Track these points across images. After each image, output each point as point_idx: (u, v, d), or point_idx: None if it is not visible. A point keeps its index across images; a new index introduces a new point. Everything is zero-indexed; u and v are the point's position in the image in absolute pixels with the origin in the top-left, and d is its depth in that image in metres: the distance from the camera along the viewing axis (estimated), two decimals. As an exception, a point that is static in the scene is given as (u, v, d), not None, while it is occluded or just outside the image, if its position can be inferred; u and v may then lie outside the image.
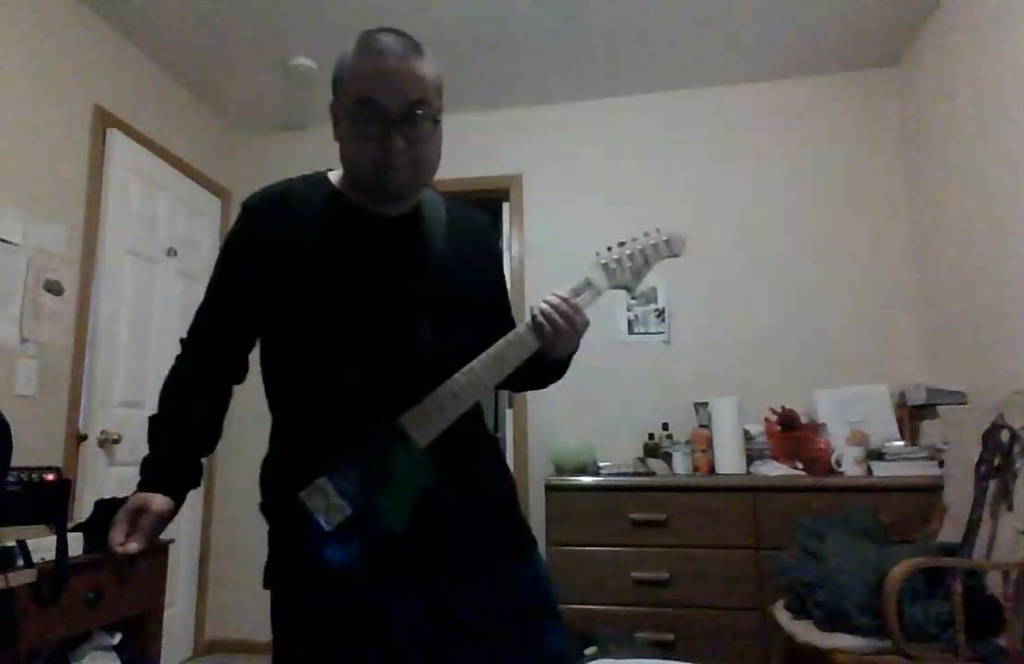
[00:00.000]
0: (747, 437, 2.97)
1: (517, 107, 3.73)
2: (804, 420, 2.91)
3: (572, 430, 3.25)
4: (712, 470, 2.93)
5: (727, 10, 2.98)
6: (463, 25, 3.05)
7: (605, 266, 1.12)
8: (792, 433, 2.87)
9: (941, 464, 2.51)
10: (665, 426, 3.14)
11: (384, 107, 0.98)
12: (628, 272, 1.13)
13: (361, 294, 1.01)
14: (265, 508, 1.04)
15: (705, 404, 3.10)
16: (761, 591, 2.56)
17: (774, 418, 2.93)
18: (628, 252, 1.13)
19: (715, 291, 3.34)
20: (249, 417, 3.71)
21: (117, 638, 2.33)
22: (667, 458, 3.00)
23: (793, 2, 2.93)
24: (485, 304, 1.14)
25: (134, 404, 3.10)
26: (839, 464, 2.74)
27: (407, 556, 0.97)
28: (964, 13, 2.75)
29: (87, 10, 2.93)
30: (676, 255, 1.18)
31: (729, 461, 2.89)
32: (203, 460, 1.12)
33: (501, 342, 1.04)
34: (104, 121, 2.99)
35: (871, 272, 3.26)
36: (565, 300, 1.05)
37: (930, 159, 3.08)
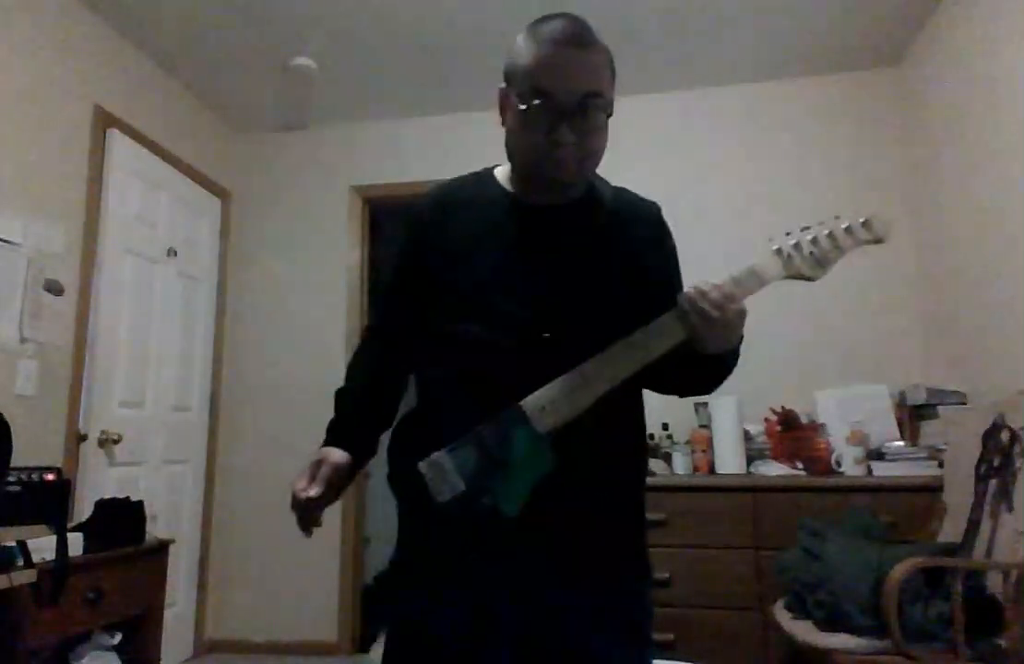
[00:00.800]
0: (747, 437, 2.97)
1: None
2: (804, 420, 2.91)
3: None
4: (712, 470, 2.93)
5: (726, 10, 2.98)
6: (464, 26, 3.05)
7: (779, 252, 1.01)
8: (792, 433, 2.87)
9: (941, 464, 2.51)
10: (665, 426, 3.14)
11: (556, 100, 0.96)
12: (810, 259, 1.01)
13: (510, 282, 1.01)
14: (390, 476, 1.04)
15: (705, 404, 3.10)
16: (761, 591, 2.56)
17: (774, 418, 2.93)
18: (811, 237, 1.01)
19: (715, 291, 3.34)
20: (248, 425, 3.72)
21: (117, 638, 2.34)
22: (667, 458, 3.00)
23: (793, 2, 2.93)
24: (646, 297, 1.04)
25: (134, 404, 3.10)
26: (839, 464, 2.74)
27: (511, 545, 0.95)
28: (964, 13, 2.75)
29: (87, 10, 2.93)
30: (880, 241, 1.04)
31: (729, 461, 2.88)
32: (379, 434, 1.15)
33: (642, 329, 0.97)
34: (104, 121, 2.99)
35: (871, 272, 3.26)
36: (716, 286, 0.96)
37: (930, 159, 3.08)
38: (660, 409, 3.24)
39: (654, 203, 1.17)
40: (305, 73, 3.36)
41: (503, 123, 1.06)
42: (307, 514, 1.02)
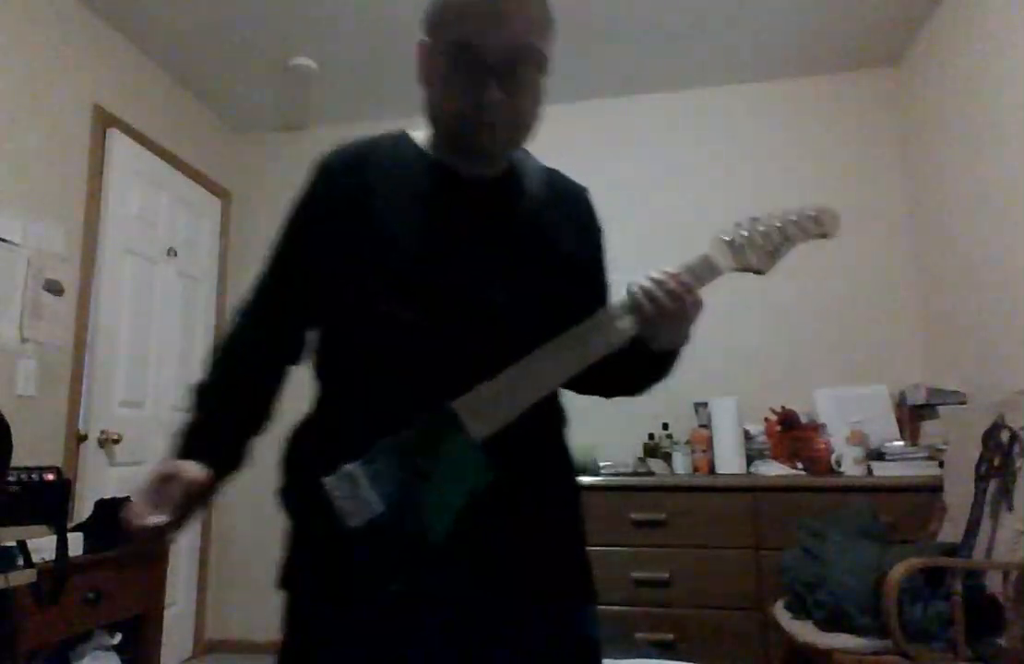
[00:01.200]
0: (747, 437, 2.97)
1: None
2: (804, 420, 2.91)
3: (572, 430, 3.25)
4: (712, 470, 2.93)
5: (725, 10, 2.98)
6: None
7: (731, 243, 0.94)
8: (792, 433, 2.87)
9: (941, 464, 2.51)
10: (665, 426, 3.14)
11: (480, 53, 0.83)
12: (761, 252, 0.95)
13: (436, 260, 0.87)
14: (283, 493, 0.88)
15: (705, 404, 3.09)
16: (761, 591, 2.56)
17: (774, 418, 2.93)
18: (762, 229, 0.96)
19: (714, 291, 3.33)
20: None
21: (117, 638, 2.34)
22: (667, 458, 3.00)
23: (792, 2, 2.93)
24: (579, 286, 0.97)
25: (134, 404, 3.10)
26: (839, 464, 2.74)
27: (439, 572, 0.81)
28: (964, 13, 2.75)
29: (87, 10, 2.92)
30: (826, 235, 1.00)
31: (729, 461, 2.89)
32: (249, 442, 0.95)
33: (587, 322, 0.86)
34: (104, 121, 2.99)
35: (871, 272, 3.26)
36: (673, 275, 0.87)
37: (930, 159, 3.08)
38: (660, 409, 3.27)
39: (584, 187, 1.06)
40: (305, 73, 3.36)
41: (419, 79, 0.94)
42: (148, 546, 0.83)
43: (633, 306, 0.87)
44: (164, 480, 0.83)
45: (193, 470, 0.84)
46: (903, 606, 1.83)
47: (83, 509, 2.62)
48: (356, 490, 0.79)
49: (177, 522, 0.83)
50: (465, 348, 0.84)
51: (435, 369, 0.83)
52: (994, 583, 1.89)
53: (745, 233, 0.96)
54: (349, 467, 0.79)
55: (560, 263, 0.94)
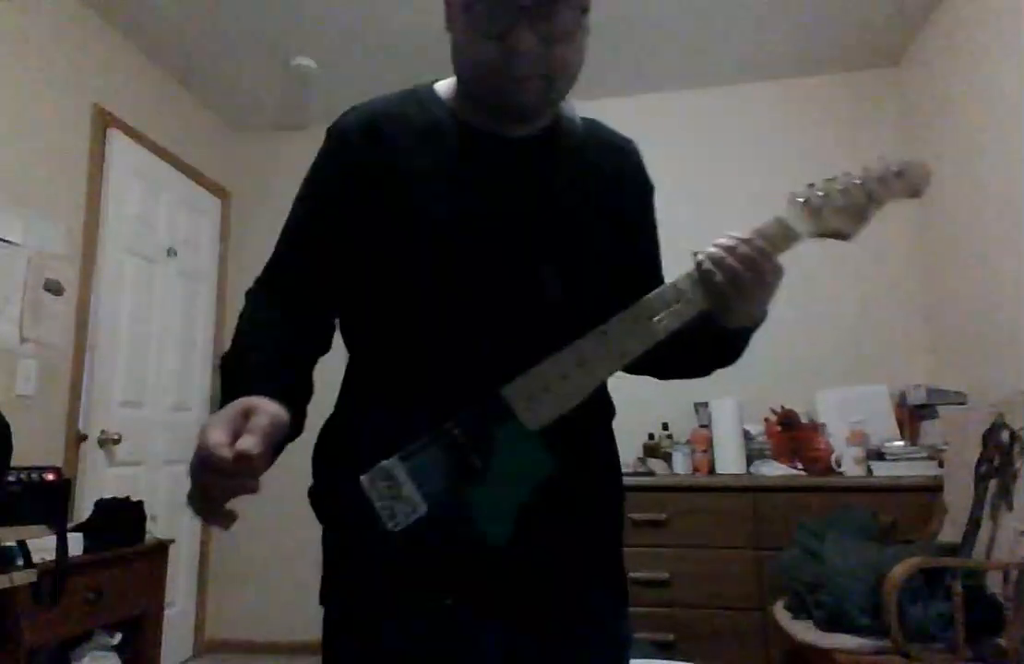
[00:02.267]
0: (747, 437, 2.97)
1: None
2: (804, 420, 2.91)
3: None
4: (712, 470, 2.93)
5: (725, 10, 2.98)
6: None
7: (806, 203, 0.83)
8: (792, 433, 2.87)
9: (941, 464, 2.51)
10: (665, 426, 3.14)
11: None
12: (843, 214, 0.83)
13: (473, 232, 0.78)
14: (315, 495, 0.79)
15: (705, 404, 3.09)
16: (761, 591, 2.55)
17: (774, 418, 2.93)
18: (840, 187, 0.84)
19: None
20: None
21: (117, 638, 2.34)
22: (667, 458, 3.00)
23: (792, 2, 2.93)
24: (630, 251, 0.89)
25: (134, 404, 3.10)
26: (839, 464, 2.74)
27: (497, 581, 0.73)
28: (964, 13, 2.75)
29: (87, 10, 2.92)
30: (916, 194, 0.88)
31: (729, 461, 2.88)
32: (305, 407, 0.81)
33: (650, 296, 0.78)
34: (104, 121, 2.99)
35: (871, 272, 3.26)
36: (746, 240, 0.77)
37: (929, 159, 3.06)
38: (660, 409, 3.26)
39: (630, 140, 0.95)
40: (305, 73, 3.36)
41: (447, 28, 0.83)
42: (234, 481, 0.63)
43: (702, 277, 0.77)
44: (244, 414, 0.66)
45: (272, 406, 0.67)
46: (903, 606, 1.83)
47: (83, 509, 2.62)
48: (396, 488, 0.69)
49: (268, 457, 0.66)
50: (513, 327, 0.76)
51: (480, 351, 0.75)
52: (994, 583, 1.89)
53: (821, 193, 0.83)
54: (386, 463, 0.70)
55: (609, 229, 0.85)
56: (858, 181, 0.84)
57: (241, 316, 0.86)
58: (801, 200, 0.83)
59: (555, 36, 0.75)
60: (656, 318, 0.77)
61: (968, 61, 2.73)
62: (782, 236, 0.80)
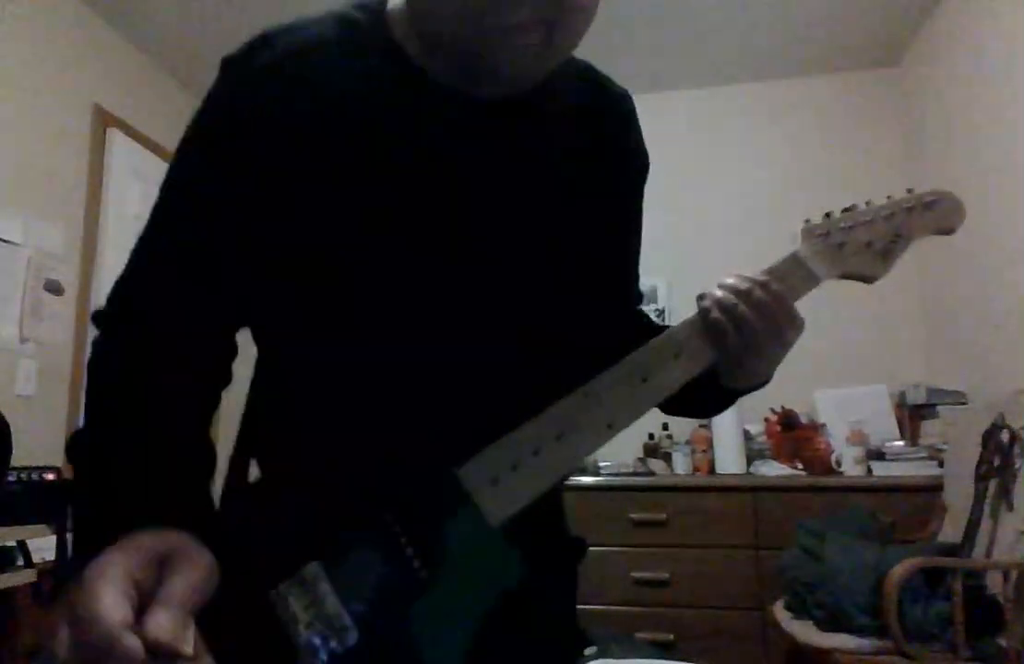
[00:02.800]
0: (747, 437, 2.97)
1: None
2: (804, 420, 2.91)
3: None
4: (712, 470, 2.93)
5: (725, 9, 2.98)
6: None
7: (825, 238, 0.69)
8: (792, 433, 2.87)
9: (941, 464, 2.51)
10: (665, 426, 3.14)
11: None
12: (868, 252, 0.71)
13: (427, 228, 0.59)
14: (210, 610, 0.48)
15: (705, 404, 3.09)
16: (761, 591, 2.55)
17: (774, 418, 2.93)
18: (865, 219, 0.71)
19: (713, 288, 3.34)
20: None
21: (117, 638, 2.33)
22: (667, 458, 3.00)
23: (792, 2, 2.93)
24: (613, 253, 0.72)
25: (134, 404, 3.10)
26: (839, 464, 2.74)
27: None
28: (965, 12, 2.75)
29: (86, 9, 2.92)
30: (949, 231, 0.76)
31: (729, 461, 2.88)
32: (208, 487, 0.61)
33: (645, 349, 0.63)
34: (104, 121, 2.99)
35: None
36: (761, 283, 0.64)
37: (930, 159, 3.08)
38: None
39: (625, 95, 0.76)
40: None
41: None
42: None
43: (709, 327, 0.64)
44: (160, 561, 0.45)
45: (203, 555, 0.47)
46: (903, 606, 1.83)
47: (83, 509, 2.62)
48: (317, 605, 0.50)
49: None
50: (470, 377, 0.59)
51: (426, 408, 0.58)
52: (994, 583, 1.89)
53: (844, 226, 0.71)
54: (308, 569, 0.51)
55: (599, 233, 0.68)
56: (886, 214, 0.73)
57: (100, 371, 0.59)
58: (820, 234, 0.70)
59: None
60: (652, 378, 0.62)
61: (969, 61, 2.72)
62: (801, 278, 0.68)
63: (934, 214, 0.76)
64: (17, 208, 2.55)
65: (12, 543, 1.81)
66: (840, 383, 3.07)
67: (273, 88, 0.59)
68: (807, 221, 0.71)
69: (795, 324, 0.66)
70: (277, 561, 0.52)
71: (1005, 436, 2.03)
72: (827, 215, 0.72)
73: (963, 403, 2.69)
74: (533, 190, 0.63)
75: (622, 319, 0.75)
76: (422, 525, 0.54)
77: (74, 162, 2.84)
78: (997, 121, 2.52)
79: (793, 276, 0.68)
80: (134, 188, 3.16)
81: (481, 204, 0.61)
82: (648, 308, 3.35)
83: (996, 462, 2.03)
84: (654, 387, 0.62)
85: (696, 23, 3.07)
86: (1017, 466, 1.97)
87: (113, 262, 3.00)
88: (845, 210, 0.73)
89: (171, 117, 3.46)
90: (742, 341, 0.63)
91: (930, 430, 2.79)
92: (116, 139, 3.04)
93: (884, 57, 3.32)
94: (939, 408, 2.75)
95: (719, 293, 0.65)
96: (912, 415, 2.87)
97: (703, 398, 0.71)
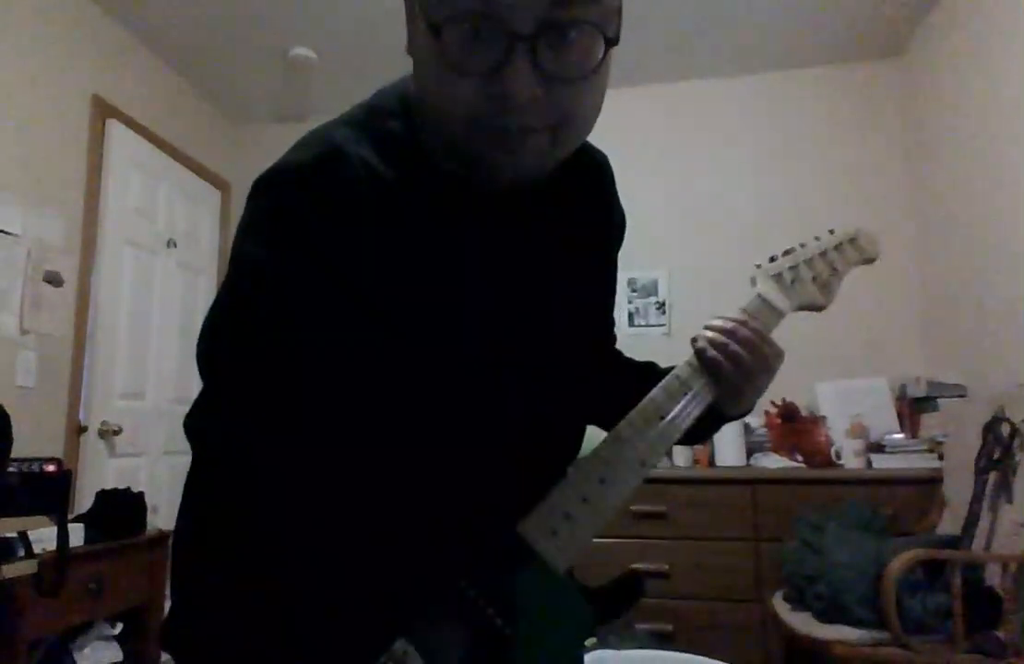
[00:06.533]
0: (747, 429, 2.97)
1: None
2: (804, 413, 2.92)
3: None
4: (712, 463, 2.93)
5: (724, 1, 2.97)
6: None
7: (778, 278, 0.80)
8: (792, 425, 2.87)
9: (941, 457, 2.51)
10: (665, 418, 3.14)
11: (503, 14, 0.50)
12: (813, 286, 0.82)
13: (496, 327, 0.62)
14: None
15: (705, 397, 3.10)
16: (760, 583, 2.56)
17: (774, 410, 2.93)
18: (805, 258, 0.83)
19: (716, 284, 3.34)
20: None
21: (118, 628, 2.34)
22: (667, 451, 3.00)
23: (795, -7, 2.92)
24: (604, 310, 0.79)
25: (134, 395, 3.10)
26: (839, 457, 2.74)
27: None
28: (967, 4, 2.73)
29: (86, 1, 2.91)
30: (869, 261, 0.88)
31: (729, 454, 2.89)
32: None
33: (654, 392, 0.69)
34: (103, 112, 2.98)
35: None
36: (743, 322, 0.71)
37: (932, 151, 3.07)
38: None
39: (603, 160, 0.79)
40: (305, 63, 3.35)
41: (408, 50, 0.61)
42: None
43: (706, 365, 0.70)
44: None
45: None
46: (902, 598, 1.84)
47: (83, 500, 2.62)
48: None
49: None
50: (517, 444, 0.62)
51: (482, 479, 0.60)
52: (993, 575, 1.89)
53: (791, 264, 0.82)
54: (397, 646, 0.51)
55: (599, 295, 0.76)
56: (820, 250, 0.84)
57: (269, 492, 0.58)
58: (773, 274, 0.81)
59: (565, 72, 0.53)
60: (668, 416, 0.68)
61: (972, 52, 2.71)
62: (769, 314, 0.78)
63: (855, 248, 0.87)
64: (17, 199, 2.54)
65: (13, 534, 1.82)
66: (840, 376, 3.07)
67: (315, 225, 0.58)
68: (758, 265, 0.82)
69: (778, 354, 0.74)
70: (359, 640, 0.52)
71: (1005, 429, 2.03)
72: (772, 259, 0.83)
73: (963, 396, 2.69)
74: (554, 267, 0.69)
75: (608, 358, 0.85)
76: (496, 585, 0.55)
77: (73, 153, 2.83)
78: (999, 111, 2.51)
79: (763, 313, 0.77)
80: (133, 179, 3.15)
81: (506, 304, 0.65)
82: (649, 301, 3.36)
83: (996, 455, 2.03)
84: (673, 424, 0.69)
85: (700, 15, 3.05)
86: (1017, 459, 1.98)
87: (113, 253, 2.99)
88: (786, 252, 0.83)
89: (171, 108, 3.45)
90: (738, 374, 0.70)
91: (930, 423, 2.79)
92: (115, 130, 3.03)
93: (887, 48, 3.31)
94: (939, 401, 2.75)
95: (710, 334, 0.72)
96: (912, 408, 2.87)
97: (701, 430, 0.76)
